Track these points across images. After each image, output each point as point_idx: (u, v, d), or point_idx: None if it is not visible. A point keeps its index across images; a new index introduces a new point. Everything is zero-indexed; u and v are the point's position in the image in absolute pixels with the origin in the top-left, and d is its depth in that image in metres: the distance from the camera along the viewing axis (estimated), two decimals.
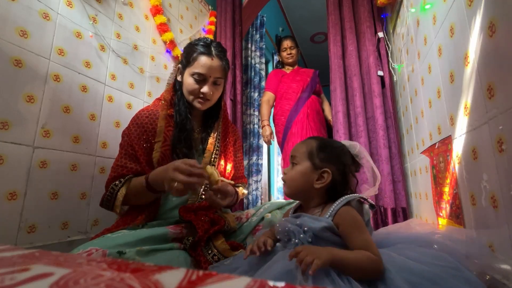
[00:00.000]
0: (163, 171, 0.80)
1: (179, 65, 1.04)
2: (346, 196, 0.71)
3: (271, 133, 2.27)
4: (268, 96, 2.31)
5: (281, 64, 2.49)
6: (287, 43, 2.40)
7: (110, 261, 0.24)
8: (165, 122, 0.97)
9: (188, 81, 0.99)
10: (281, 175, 3.62)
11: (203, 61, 0.97)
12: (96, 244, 0.66)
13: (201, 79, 0.98)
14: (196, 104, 1.01)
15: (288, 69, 2.41)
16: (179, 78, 1.04)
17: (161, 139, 0.94)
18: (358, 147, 0.80)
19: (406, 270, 0.57)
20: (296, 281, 0.55)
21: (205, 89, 0.98)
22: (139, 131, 0.94)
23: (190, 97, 1.01)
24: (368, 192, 0.84)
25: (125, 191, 0.88)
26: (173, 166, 0.77)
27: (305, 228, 0.67)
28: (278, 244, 0.74)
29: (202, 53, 0.97)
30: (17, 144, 1.00)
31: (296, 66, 2.43)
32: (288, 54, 2.39)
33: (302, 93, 2.23)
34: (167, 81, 1.04)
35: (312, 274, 0.52)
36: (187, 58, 1.00)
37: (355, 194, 0.72)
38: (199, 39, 1.03)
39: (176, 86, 1.05)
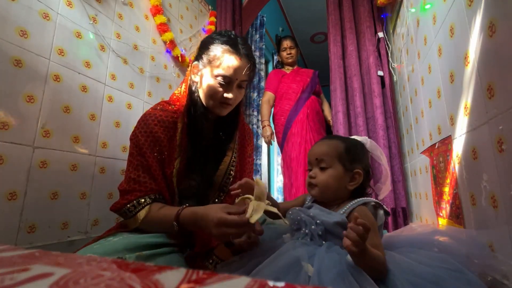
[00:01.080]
0: (203, 222, 0.67)
1: (196, 63, 0.88)
2: (363, 198, 0.72)
3: (272, 133, 2.27)
4: (268, 96, 2.32)
5: (281, 64, 2.50)
6: (286, 43, 2.41)
7: (110, 261, 0.24)
8: (183, 134, 0.85)
9: (211, 84, 0.84)
10: (280, 176, 3.63)
11: (230, 62, 0.82)
12: (95, 250, 0.66)
13: (226, 82, 0.84)
14: (217, 110, 0.88)
15: (288, 69, 2.42)
16: (195, 78, 0.89)
17: (180, 154, 0.84)
18: (369, 143, 0.82)
19: (409, 272, 0.57)
20: (302, 272, 0.56)
21: (230, 94, 0.84)
22: (150, 141, 0.81)
23: (210, 102, 0.87)
24: (382, 191, 0.84)
25: (142, 219, 0.76)
26: (215, 221, 0.63)
27: (318, 221, 0.68)
28: (284, 235, 0.75)
29: (228, 52, 0.82)
30: (17, 144, 1.00)
31: (296, 66, 2.44)
32: (287, 54, 2.40)
33: (302, 93, 2.24)
34: (187, 82, 0.91)
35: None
36: (208, 56, 0.84)
37: (372, 198, 0.73)
38: (220, 33, 0.87)
39: (191, 88, 0.89)
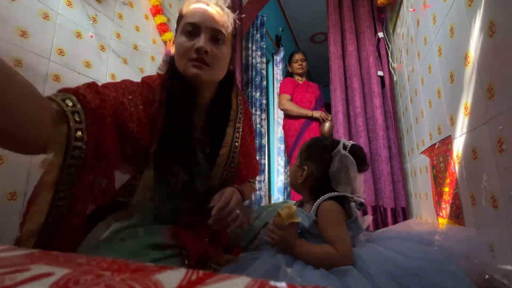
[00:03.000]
0: None
1: (173, 37, 0.80)
2: (329, 194, 0.73)
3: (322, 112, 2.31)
4: (287, 97, 2.42)
5: (290, 74, 2.68)
6: (298, 56, 2.58)
7: (110, 261, 0.24)
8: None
9: (179, 40, 0.72)
10: (281, 175, 3.63)
11: (195, 8, 0.72)
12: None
13: (194, 32, 0.71)
14: (191, 69, 0.71)
15: (298, 79, 2.57)
16: (172, 50, 0.79)
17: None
18: (344, 150, 0.77)
19: (390, 262, 0.59)
20: (281, 273, 0.57)
21: (200, 42, 0.69)
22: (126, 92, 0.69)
23: (183, 62, 0.72)
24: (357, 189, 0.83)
25: None
26: None
27: None
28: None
29: (196, 2, 0.73)
30: None
31: (304, 78, 2.61)
32: (299, 65, 2.57)
33: (315, 104, 2.40)
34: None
35: (271, 245, 0.68)
36: (179, 16, 0.76)
37: (339, 192, 0.73)
38: None
39: (169, 63, 0.79)
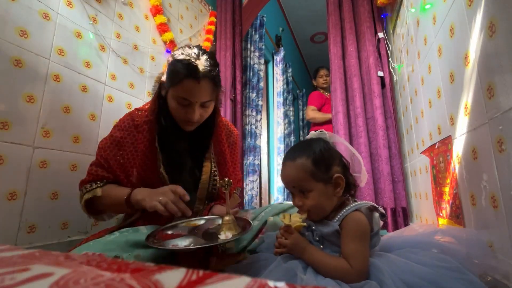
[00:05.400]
0: (152, 192, 0.81)
1: (162, 79, 0.91)
2: (357, 203, 0.69)
3: None
4: (313, 107, 2.65)
5: (315, 87, 2.92)
6: (323, 72, 2.81)
7: (110, 261, 0.24)
8: (148, 143, 0.92)
9: (172, 104, 0.87)
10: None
11: (187, 85, 0.82)
12: (91, 248, 0.66)
13: (186, 104, 0.85)
14: (183, 127, 0.92)
15: (325, 93, 2.78)
16: (163, 93, 0.92)
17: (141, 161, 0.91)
18: (327, 134, 0.76)
19: (408, 272, 0.57)
20: (297, 278, 0.57)
21: (191, 115, 0.86)
22: (115, 147, 0.91)
23: (176, 120, 0.91)
24: (361, 179, 0.80)
25: (91, 196, 0.87)
26: (164, 191, 0.79)
27: (313, 227, 0.68)
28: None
29: (186, 76, 0.81)
30: (17, 144, 1.00)
31: (329, 93, 2.72)
32: (324, 80, 2.80)
33: None
34: (152, 89, 0.94)
35: (275, 254, 0.68)
36: (171, 77, 0.85)
37: (367, 202, 0.70)
38: (185, 52, 0.85)
39: (160, 100, 0.92)
